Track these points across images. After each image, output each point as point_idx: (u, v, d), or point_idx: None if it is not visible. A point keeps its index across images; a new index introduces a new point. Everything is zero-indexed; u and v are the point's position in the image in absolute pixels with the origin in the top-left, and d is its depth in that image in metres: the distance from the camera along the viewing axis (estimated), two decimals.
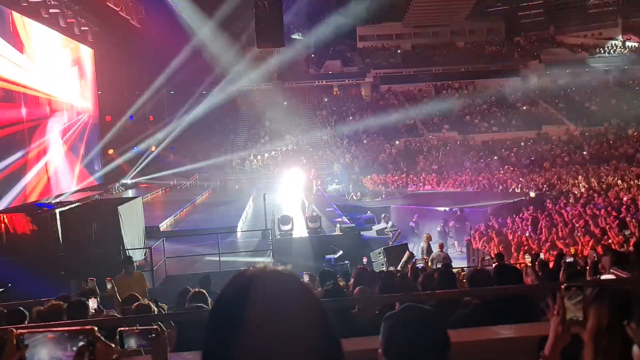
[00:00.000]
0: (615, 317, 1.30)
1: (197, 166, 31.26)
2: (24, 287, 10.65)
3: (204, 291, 4.63)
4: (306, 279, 7.77)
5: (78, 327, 1.02)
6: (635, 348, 0.93)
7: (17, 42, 17.35)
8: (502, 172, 27.76)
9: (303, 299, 0.84)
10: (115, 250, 11.74)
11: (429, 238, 13.69)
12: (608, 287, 2.27)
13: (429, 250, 13.23)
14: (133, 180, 28.40)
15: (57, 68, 20.86)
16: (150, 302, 4.64)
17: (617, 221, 13.20)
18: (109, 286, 6.28)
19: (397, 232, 16.31)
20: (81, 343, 0.98)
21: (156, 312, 4.45)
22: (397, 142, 36.62)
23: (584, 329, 1.47)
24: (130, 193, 24.90)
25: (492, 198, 20.05)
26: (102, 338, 1.01)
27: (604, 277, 3.29)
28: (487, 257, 10.00)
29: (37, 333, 1.00)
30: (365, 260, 12.09)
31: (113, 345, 1.04)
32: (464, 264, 13.94)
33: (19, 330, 1.01)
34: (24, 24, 17.98)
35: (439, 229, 16.74)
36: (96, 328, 1.02)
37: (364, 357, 1.63)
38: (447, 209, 18.12)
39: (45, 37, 19.94)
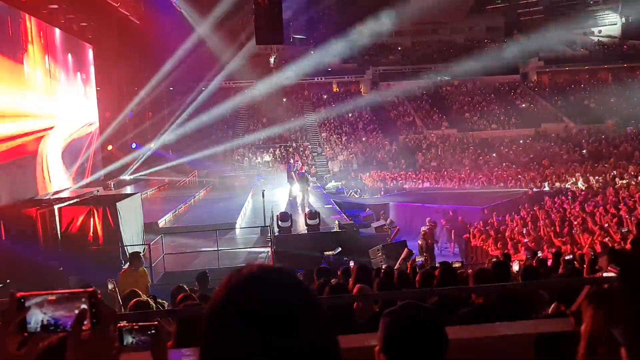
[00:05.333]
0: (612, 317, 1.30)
1: (193, 157, 30.93)
2: (22, 283, 10.67)
3: (193, 295, 4.59)
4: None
5: (80, 289, 1.02)
6: (623, 351, 0.93)
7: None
8: (500, 169, 27.77)
9: (299, 296, 0.85)
10: (113, 247, 11.75)
11: (426, 235, 13.70)
12: (606, 286, 2.28)
13: (427, 247, 13.26)
14: (131, 177, 28.22)
15: (62, 73, 20.96)
16: (149, 299, 4.65)
17: (615, 219, 13.23)
18: (110, 286, 6.22)
19: (395, 229, 16.32)
20: (83, 306, 0.98)
21: (154, 309, 4.46)
22: (396, 139, 36.61)
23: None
24: (129, 189, 24.85)
25: (490, 196, 20.06)
26: (104, 301, 1.00)
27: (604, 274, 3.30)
28: (495, 260, 10.00)
29: (38, 296, 1.00)
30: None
31: (116, 310, 1.04)
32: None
33: (20, 293, 1.01)
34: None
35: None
36: (99, 290, 1.02)
37: (363, 353, 1.64)
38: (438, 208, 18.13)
39: (50, 40, 19.93)
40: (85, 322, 0.97)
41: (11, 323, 0.98)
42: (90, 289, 1.00)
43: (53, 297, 1.00)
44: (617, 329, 0.93)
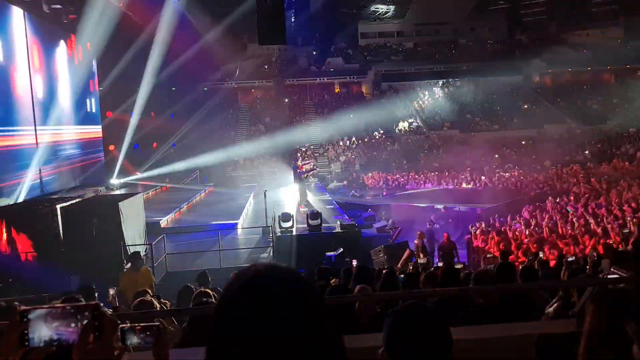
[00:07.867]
0: (614, 317, 1.30)
1: (197, 163, 30.82)
2: (24, 283, 10.70)
3: (208, 290, 4.62)
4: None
5: (82, 304, 1.02)
6: (635, 348, 0.93)
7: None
8: (502, 170, 27.71)
9: (305, 295, 0.86)
10: (115, 247, 11.75)
11: (422, 235, 13.66)
12: (608, 288, 2.28)
13: (423, 248, 13.22)
14: (123, 180, 27.70)
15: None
16: (153, 299, 4.65)
17: (620, 221, 13.18)
18: (111, 292, 6.12)
19: (397, 230, 16.29)
20: (86, 321, 0.98)
21: (158, 309, 4.46)
22: (398, 140, 36.61)
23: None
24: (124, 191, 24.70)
25: (491, 196, 20.01)
26: (108, 313, 1.01)
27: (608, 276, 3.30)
28: (490, 256, 9.96)
29: (41, 309, 1.01)
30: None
31: (119, 322, 1.05)
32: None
33: (22, 307, 1.01)
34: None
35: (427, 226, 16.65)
36: (101, 303, 1.03)
37: (365, 354, 1.64)
38: (433, 206, 18.09)
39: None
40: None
41: (13, 336, 0.99)
42: (94, 303, 1.01)
43: (56, 311, 1.00)
44: (631, 326, 0.93)
